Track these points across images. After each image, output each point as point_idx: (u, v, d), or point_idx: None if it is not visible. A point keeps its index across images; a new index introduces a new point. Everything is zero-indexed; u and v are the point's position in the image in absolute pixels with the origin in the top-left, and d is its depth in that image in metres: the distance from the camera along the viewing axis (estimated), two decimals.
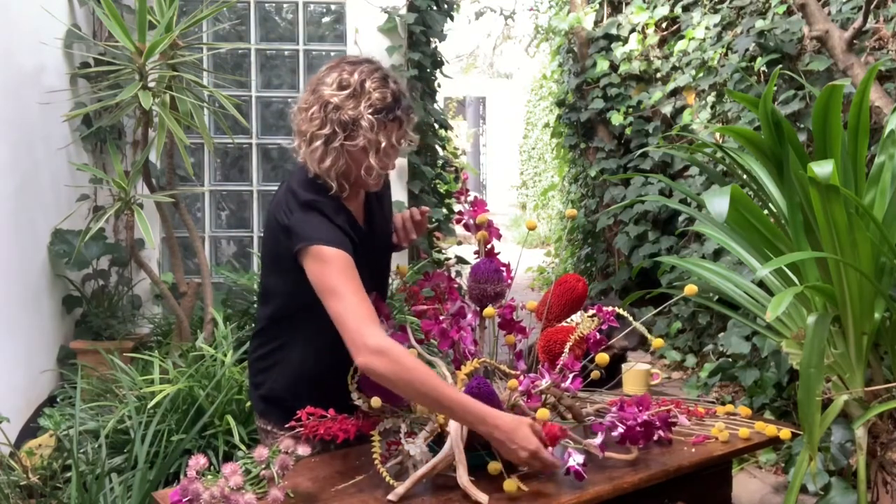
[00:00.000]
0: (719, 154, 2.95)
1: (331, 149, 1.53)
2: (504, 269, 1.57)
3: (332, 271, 1.48)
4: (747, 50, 4.10)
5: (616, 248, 5.39)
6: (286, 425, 1.45)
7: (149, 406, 2.64)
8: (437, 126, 4.93)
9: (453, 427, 1.37)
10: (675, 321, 4.70)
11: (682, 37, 4.88)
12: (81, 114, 3.63)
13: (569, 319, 1.63)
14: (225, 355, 2.97)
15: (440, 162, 4.99)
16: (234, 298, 4.36)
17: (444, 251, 4.51)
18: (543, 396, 1.49)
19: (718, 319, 4.26)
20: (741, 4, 4.41)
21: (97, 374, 3.29)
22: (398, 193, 4.75)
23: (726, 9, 4.52)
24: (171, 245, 3.76)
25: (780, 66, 3.81)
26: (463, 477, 1.32)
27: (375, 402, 1.39)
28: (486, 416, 1.34)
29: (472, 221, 1.60)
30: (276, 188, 5.37)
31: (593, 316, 1.51)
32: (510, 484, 1.31)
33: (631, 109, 5.46)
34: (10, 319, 3.36)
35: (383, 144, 1.52)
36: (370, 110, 1.50)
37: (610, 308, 1.53)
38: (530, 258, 8.93)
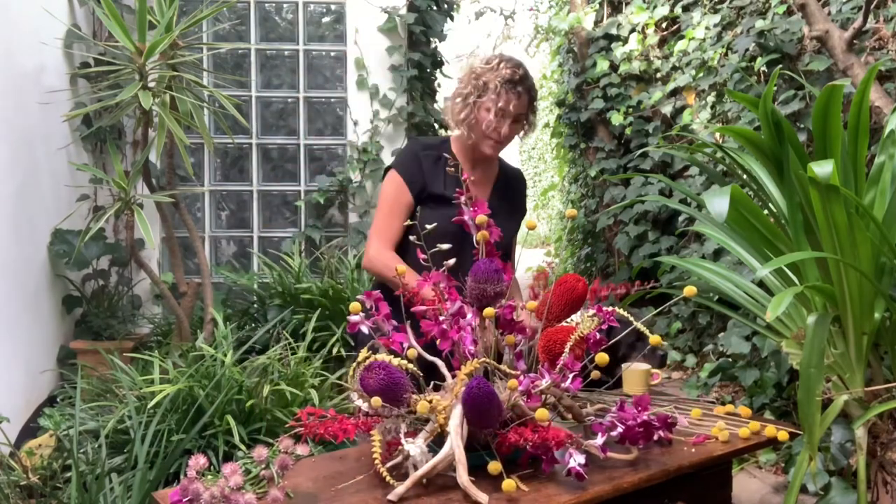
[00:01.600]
0: (719, 154, 2.95)
1: (466, 104, 2.00)
2: (504, 269, 1.56)
3: (383, 189, 2.05)
4: (747, 50, 4.10)
5: (616, 248, 5.39)
6: None
7: (149, 406, 2.64)
8: (437, 126, 4.93)
9: (453, 427, 1.37)
10: (675, 321, 4.70)
11: (682, 37, 4.88)
12: (81, 114, 3.63)
13: (569, 319, 1.62)
14: (225, 355, 2.97)
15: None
16: (234, 298, 4.37)
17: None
18: (543, 396, 1.49)
19: (718, 319, 4.26)
20: (741, 4, 4.41)
21: (97, 374, 3.29)
22: None
23: (726, 9, 4.52)
24: (171, 245, 3.77)
25: (780, 66, 3.82)
26: (463, 477, 1.32)
27: (375, 401, 1.39)
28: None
29: (471, 221, 1.60)
30: (275, 188, 5.37)
31: (593, 316, 1.51)
32: (510, 484, 1.31)
33: (631, 109, 5.46)
34: (10, 319, 3.36)
35: (501, 105, 1.96)
36: (499, 79, 1.97)
37: (610, 308, 1.53)
38: (530, 258, 8.93)
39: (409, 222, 1.96)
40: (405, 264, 1.87)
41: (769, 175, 2.37)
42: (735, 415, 1.76)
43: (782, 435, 1.66)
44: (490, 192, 2.13)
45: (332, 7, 4.90)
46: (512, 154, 14.01)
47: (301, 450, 1.34)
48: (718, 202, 1.87)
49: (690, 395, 3.68)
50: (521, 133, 2.08)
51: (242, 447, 2.54)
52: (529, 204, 12.13)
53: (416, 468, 1.35)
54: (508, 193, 2.18)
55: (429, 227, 1.67)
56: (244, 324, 4.06)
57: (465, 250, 1.80)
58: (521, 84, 1.99)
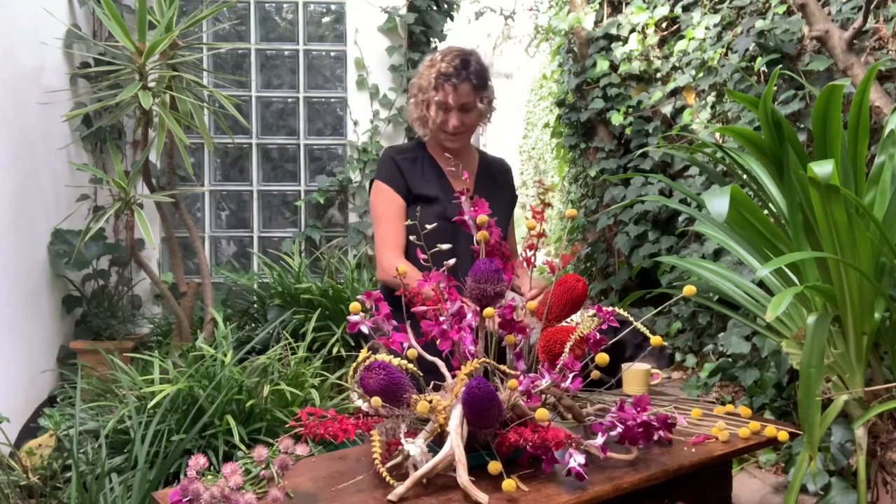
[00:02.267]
0: (719, 154, 2.95)
1: (416, 102, 2.07)
2: (504, 268, 1.56)
3: (374, 202, 2.09)
4: (747, 50, 4.10)
5: (616, 248, 5.39)
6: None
7: (149, 406, 2.64)
8: None
9: (453, 427, 1.37)
10: (675, 321, 4.70)
11: (682, 37, 4.88)
12: (81, 114, 3.63)
13: (569, 319, 1.62)
14: (225, 355, 2.97)
15: None
16: (234, 298, 4.37)
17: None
18: (543, 396, 1.49)
19: (718, 319, 4.26)
20: (741, 4, 4.41)
21: (97, 374, 3.29)
22: None
23: (726, 9, 4.52)
24: (171, 245, 3.77)
25: (780, 66, 3.82)
26: (463, 477, 1.32)
27: (376, 401, 1.39)
28: None
29: (472, 221, 1.60)
30: (275, 188, 5.38)
31: (593, 316, 1.51)
32: (510, 484, 1.31)
33: (631, 109, 5.46)
34: (10, 319, 3.36)
35: (438, 99, 2.00)
36: (433, 74, 2.01)
37: (610, 308, 1.53)
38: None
39: (408, 222, 1.97)
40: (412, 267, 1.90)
41: (769, 175, 2.37)
42: (735, 415, 1.76)
43: (782, 435, 1.66)
44: (474, 180, 2.16)
45: (332, 7, 4.90)
46: (512, 154, 14.02)
47: (301, 450, 1.34)
48: (718, 202, 1.87)
49: (690, 395, 3.68)
50: (479, 119, 2.09)
51: (242, 447, 2.54)
52: (529, 203, 12.13)
53: (416, 468, 1.35)
54: (492, 183, 2.20)
55: (429, 226, 1.66)
56: (244, 324, 4.06)
57: (458, 247, 1.82)
58: (457, 75, 2.00)
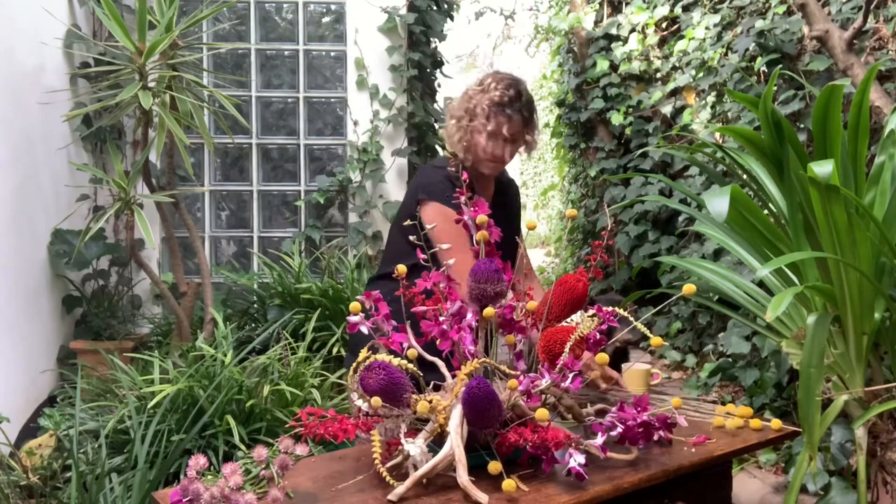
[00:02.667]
0: (719, 154, 2.95)
1: (459, 126, 2.01)
2: (504, 268, 1.56)
3: (440, 225, 1.90)
4: (747, 50, 4.10)
5: (616, 248, 5.40)
6: None
7: (149, 406, 2.64)
8: (436, 126, 4.93)
9: (453, 427, 1.37)
10: (675, 321, 4.70)
11: (682, 37, 4.89)
12: (81, 114, 3.63)
13: (569, 319, 1.62)
14: (225, 355, 2.97)
15: None
16: (234, 298, 4.37)
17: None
18: (543, 396, 1.49)
19: (718, 319, 4.26)
20: (741, 4, 4.41)
21: (97, 374, 3.29)
22: (397, 193, 4.75)
23: (726, 9, 4.52)
24: (171, 245, 3.77)
25: (780, 66, 3.82)
26: (463, 477, 1.32)
27: (376, 401, 1.39)
28: None
29: (471, 221, 1.60)
30: (275, 188, 5.38)
31: (593, 316, 1.51)
32: (510, 484, 1.31)
33: (631, 109, 5.46)
34: (10, 319, 3.36)
35: (491, 129, 1.96)
36: (487, 102, 1.96)
37: (610, 308, 1.53)
38: (530, 258, 8.92)
39: (408, 222, 1.92)
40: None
41: (769, 175, 2.37)
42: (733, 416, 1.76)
43: (775, 423, 1.68)
44: (491, 202, 2.14)
45: (332, 7, 4.90)
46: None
47: (301, 450, 1.34)
48: (718, 202, 1.87)
49: (690, 395, 3.68)
50: (522, 151, 2.08)
51: (242, 447, 2.54)
52: (530, 204, 12.14)
53: (416, 468, 1.35)
54: (505, 202, 2.21)
55: (428, 226, 1.66)
56: (244, 324, 4.06)
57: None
58: (510, 106, 1.97)
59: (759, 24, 4.01)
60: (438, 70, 5.04)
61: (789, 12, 3.98)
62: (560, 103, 6.25)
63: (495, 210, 2.01)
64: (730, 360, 3.67)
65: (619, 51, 5.48)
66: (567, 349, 1.46)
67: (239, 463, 1.32)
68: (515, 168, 13.79)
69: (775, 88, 3.78)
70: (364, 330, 1.53)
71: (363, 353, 1.47)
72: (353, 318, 1.52)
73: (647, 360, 4.45)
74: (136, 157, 4.21)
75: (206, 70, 4.51)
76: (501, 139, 1.99)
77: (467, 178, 1.72)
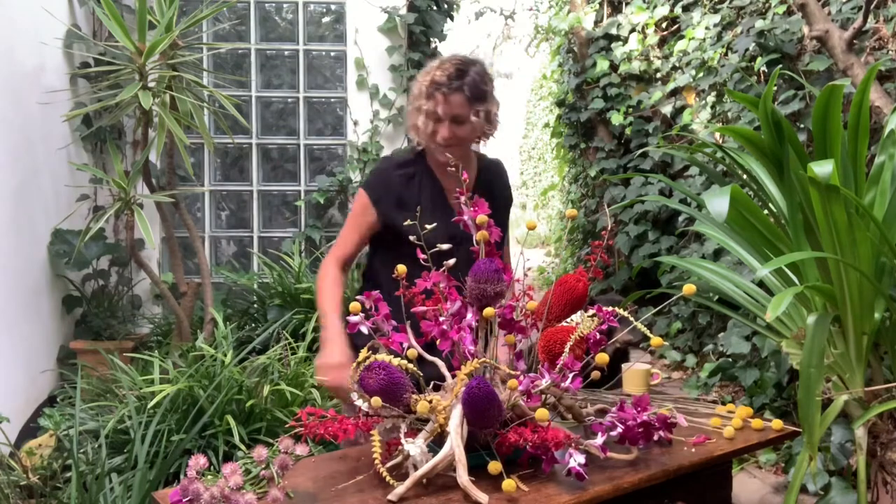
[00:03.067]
0: (719, 154, 2.95)
1: (411, 110, 1.96)
2: (504, 269, 1.56)
3: (352, 205, 2.04)
4: (747, 50, 4.10)
5: (616, 247, 5.40)
6: None
7: (149, 406, 2.64)
8: None
9: (453, 427, 1.37)
10: (675, 321, 4.70)
11: (682, 37, 4.88)
12: (81, 114, 3.63)
13: (569, 319, 1.62)
14: (225, 355, 2.97)
15: None
16: (234, 298, 4.37)
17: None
18: (543, 396, 1.49)
19: (718, 319, 4.26)
20: (741, 4, 4.41)
21: (97, 374, 3.29)
22: None
23: (726, 9, 4.52)
24: (171, 245, 3.77)
25: (780, 66, 3.82)
26: (463, 477, 1.32)
27: (376, 401, 1.39)
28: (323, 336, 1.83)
29: (472, 221, 1.60)
30: (275, 188, 5.37)
31: (593, 316, 1.51)
32: (510, 484, 1.31)
33: (631, 109, 5.46)
34: (10, 319, 3.36)
35: (427, 108, 1.90)
36: (427, 81, 1.90)
37: (610, 308, 1.53)
38: (530, 258, 8.93)
39: (408, 223, 1.88)
40: (340, 281, 1.96)
41: (769, 175, 2.37)
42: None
43: (776, 423, 1.67)
44: (472, 193, 2.07)
45: (332, 7, 4.90)
46: (511, 154, 14.01)
47: (301, 450, 1.34)
48: (718, 202, 1.87)
49: (690, 395, 3.68)
50: (474, 134, 1.94)
51: (242, 447, 2.54)
52: (529, 204, 12.12)
53: (416, 468, 1.35)
54: (489, 195, 2.05)
55: (429, 226, 1.65)
56: (244, 324, 4.06)
57: (460, 256, 1.78)
58: (448, 85, 1.87)
59: (759, 24, 4.01)
60: None
61: (789, 12, 3.98)
62: (560, 103, 6.25)
63: (478, 192, 1.92)
64: (730, 360, 3.67)
65: (619, 51, 5.48)
66: (567, 349, 1.46)
67: (239, 463, 1.32)
68: (515, 168, 13.80)
69: (775, 88, 3.78)
70: (364, 330, 1.53)
71: (363, 353, 1.47)
72: (353, 318, 1.53)
73: (647, 360, 4.45)
74: (136, 157, 4.21)
75: (206, 70, 4.51)
76: (441, 120, 1.89)
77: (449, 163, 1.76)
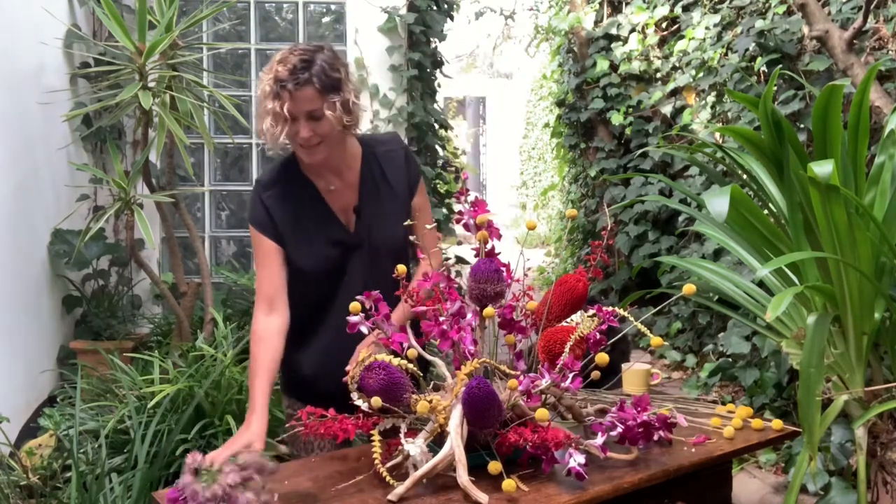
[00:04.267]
0: (719, 154, 2.95)
1: (259, 113, 1.72)
2: (504, 269, 1.57)
3: (253, 243, 1.83)
4: (747, 50, 4.10)
5: (616, 247, 5.40)
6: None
7: (149, 406, 2.64)
8: (437, 126, 4.93)
9: (453, 427, 1.37)
10: (675, 321, 4.70)
11: (682, 37, 4.88)
12: (81, 114, 3.63)
13: (569, 319, 1.62)
14: (225, 355, 2.97)
15: (440, 162, 5.00)
16: (234, 298, 4.37)
17: (444, 251, 4.51)
18: (543, 396, 1.49)
19: (718, 319, 4.26)
20: (741, 4, 4.41)
21: (97, 374, 3.29)
22: None
23: (726, 9, 4.52)
24: (171, 245, 3.77)
25: (780, 66, 3.82)
26: (463, 477, 1.32)
27: (376, 401, 1.39)
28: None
29: (472, 221, 1.60)
30: None
31: (593, 316, 1.51)
32: (510, 484, 1.31)
33: (631, 109, 5.46)
34: (10, 319, 3.36)
35: (274, 109, 1.67)
36: (269, 79, 1.67)
37: (610, 308, 1.53)
38: (530, 258, 8.93)
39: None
40: (265, 336, 1.73)
41: (769, 175, 2.37)
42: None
43: (777, 423, 1.67)
44: (357, 191, 1.84)
45: (332, 7, 4.90)
46: (511, 153, 14.01)
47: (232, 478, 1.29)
48: (718, 202, 1.87)
49: (690, 395, 3.68)
50: (336, 127, 1.71)
51: None
52: (529, 204, 12.10)
53: (416, 468, 1.35)
54: (381, 181, 1.86)
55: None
56: (244, 324, 4.06)
57: (349, 271, 1.79)
58: (294, 80, 1.64)
59: (759, 24, 4.01)
60: (438, 70, 5.04)
61: (789, 12, 3.98)
62: (560, 103, 6.25)
63: (366, 198, 1.83)
64: (730, 360, 3.67)
65: (619, 51, 5.48)
66: (567, 349, 1.46)
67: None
68: (515, 168, 13.80)
69: (775, 88, 3.78)
70: (364, 330, 1.53)
71: (363, 353, 1.47)
72: (352, 319, 1.53)
73: (647, 360, 4.45)
74: (136, 157, 4.20)
75: (206, 70, 4.51)
76: (297, 119, 1.68)
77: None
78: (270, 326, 1.75)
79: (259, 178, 1.84)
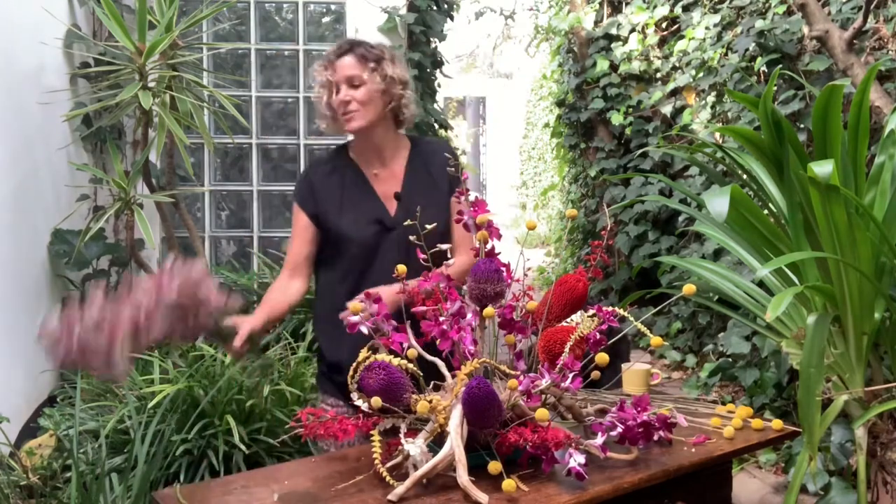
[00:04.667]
0: (719, 154, 2.95)
1: (316, 101, 1.97)
2: (504, 269, 1.57)
3: (292, 223, 2.01)
4: (747, 50, 4.10)
5: (616, 247, 5.40)
6: None
7: (149, 406, 2.64)
8: (437, 126, 4.93)
9: (453, 427, 1.37)
10: (675, 321, 4.70)
11: (682, 37, 4.89)
12: (81, 114, 3.63)
13: (569, 319, 1.62)
14: (225, 355, 2.97)
15: None
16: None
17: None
18: (543, 396, 1.49)
19: (718, 319, 4.26)
20: (741, 4, 4.41)
21: None
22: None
23: (726, 9, 4.52)
24: (171, 245, 3.76)
25: (780, 66, 3.82)
26: (463, 477, 1.32)
27: (376, 401, 1.39)
28: None
29: (472, 221, 1.60)
30: (275, 188, 5.36)
31: (593, 316, 1.51)
32: (510, 484, 1.31)
33: (631, 109, 5.46)
34: (10, 319, 3.36)
35: (324, 80, 1.92)
36: (318, 65, 1.94)
37: (610, 308, 1.53)
38: (530, 258, 8.91)
39: (408, 222, 1.86)
40: (281, 285, 1.94)
41: (769, 175, 2.37)
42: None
43: (777, 423, 1.67)
44: (402, 179, 1.97)
45: (332, 7, 4.90)
46: (511, 153, 14.01)
47: None
48: (718, 202, 1.87)
49: (690, 395, 3.68)
50: (374, 96, 1.89)
51: (242, 447, 2.55)
52: (529, 204, 12.10)
53: (416, 468, 1.35)
54: (426, 176, 1.99)
55: (429, 226, 1.64)
56: None
57: (381, 253, 1.89)
58: (334, 53, 1.91)
59: (759, 24, 4.01)
60: (438, 70, 5.04)
61: (789, 12, 3.98)
62: (560, 103, 6.25)
63: (407, 187, 1.96)
64: (730, 360, 3.67)
65: (619, 51, 5.48)
66: (567, 349, 1.46)
67: None
68: (515, 168, 13.81)
69: (775, 88, 3.78)
70: (364, 330, 1.53)
71: (363, 353, 1.47)
72: (352, 318, 1.53)
73: (647, 360, 4.45)
74: (136, 157, 4.20)
75: (206, 70, 4.51)
76: (338, 86, 1.89)
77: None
78: (287, 284, 1.94)
79: (312, 159, 2.07)
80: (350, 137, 2.01)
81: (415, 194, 1.93)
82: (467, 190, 1.61)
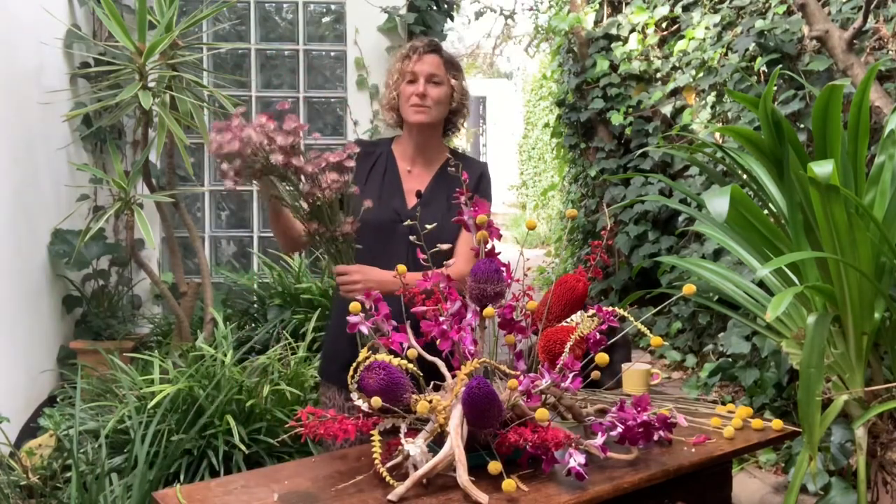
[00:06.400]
0: (719, 154, 2.95)
1: (387, 89, 2.08)
2: (504, 269, 1.57)
3: None
4: (747, 50, 4.10)
5: (616, 247, 5.40)
6: None
7: (149, 406, 2.64)
8: None
9: (453, 427, 1.37)
10: (675, 321, 4.70)
11: (682, 37, 4.88)
12: (81, 114, 3.63)
13: (569, 319, 1.62)
14: (225, 355, 2.97)
15: None
16: (234, 298, 4.37)
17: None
18: (543, 396, 1.49)
19: (718, 319, 4.26)
20: (741, 4, 4.41)
21: (97, 374, 3.29)
22: None
23: (726, 9, 4.52)
24: (171, 245, 3.77)
25: (780, 66, 3.82)
26: (463, 477, 1.32)
27: (376, 401, 1.39)
28: None
29: (472, 221, 1.60)
30: None
31: (593, 316, 1.51)
32: (510, 484, 1.31)
33: (631, 109, 5.46)
34: (10, 319, 3.36)
35: (406, 70, 2.00)
36: (399, 57, 2.03)
37: (610, 308, 1.53)
38: (530, 258, 8.93)
39: (408, 222, 1.85)
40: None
41: (769, 175, 2.37)
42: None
43: (777, 423, 1.67)
44: (430, 180, 2.05)
45: (332, 7, 4.90)
46: (511, 153, 14.02)
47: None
48: (718, 202, 1.87)
49: (690, 395, 3.68)
50: (447, 100, 2.00)
51: (242, 447, 2.54)
52: (529, 204, 12.10)
53: (416, 468, 1.35)
54: (451, 187, 1.94)
55: (429, 227, 1.64)
56: (244, 324, 4.06)
57: (390, 245, 1.93)
58: (418, 50, 2.00)
59: (759, 24, 4.01)
60: None
61: (789, 12, 3.98)
62: (560, 103, 6.25)
63: (432, 188, 2.03)
64: (730, 360, 3.67)
65: (619, 51, 5.48)
66: (567, 349, 1.46)
67: None
68: (515, 168, 13.82)
69: (775, 88, 3.78)
70: (364, 330, 1.53)
71: (363, 353, 1.47)
72: (353, 318, 1.53)
73: (647, 360, 4.45)
74: (136, 157, 4.20)
75: (206, 70, 4.51)
76: (418, 78, 1.99)
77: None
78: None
79: (357, 140, 2.14)
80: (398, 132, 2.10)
81: (435, 195, 2.00)
82: (467, 190, 1.61)
